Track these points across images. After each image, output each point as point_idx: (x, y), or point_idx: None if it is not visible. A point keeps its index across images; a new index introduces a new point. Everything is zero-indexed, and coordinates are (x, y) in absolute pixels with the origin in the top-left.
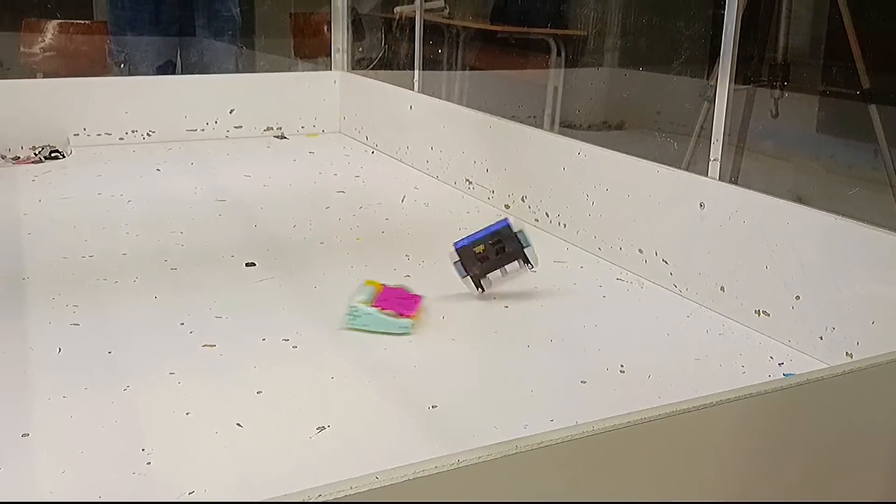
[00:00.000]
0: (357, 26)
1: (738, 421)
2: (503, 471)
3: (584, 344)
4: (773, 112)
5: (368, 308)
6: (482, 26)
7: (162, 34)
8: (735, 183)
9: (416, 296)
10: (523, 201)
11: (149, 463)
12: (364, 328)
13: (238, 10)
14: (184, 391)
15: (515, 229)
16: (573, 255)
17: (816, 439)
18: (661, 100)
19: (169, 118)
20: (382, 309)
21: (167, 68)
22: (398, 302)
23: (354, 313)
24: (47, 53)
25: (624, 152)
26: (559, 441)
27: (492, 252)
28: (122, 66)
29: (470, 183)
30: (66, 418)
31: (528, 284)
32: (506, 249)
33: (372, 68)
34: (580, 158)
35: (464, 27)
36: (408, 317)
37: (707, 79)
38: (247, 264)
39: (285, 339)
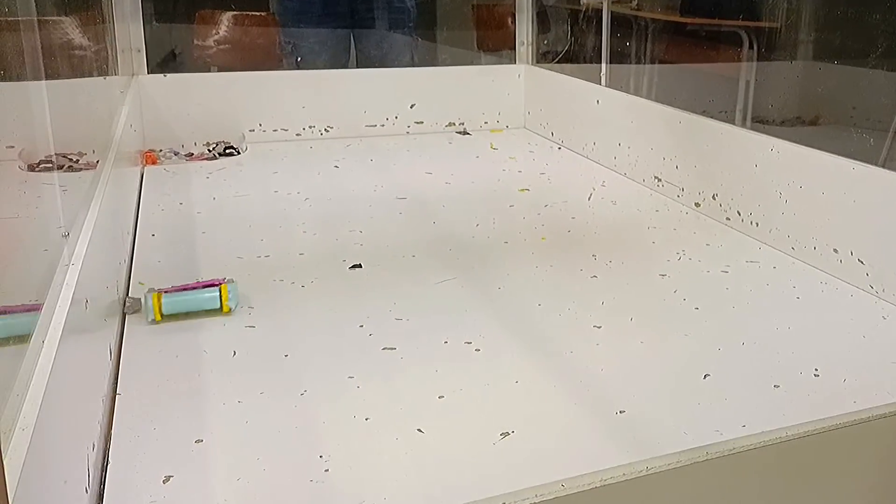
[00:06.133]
0: (542, 18)
1: None
2: (693, 478)
3: (777, 346)
4: None
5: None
6: (672, 18)
7: (333, 26)
8: None
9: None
10: (714, 199)
11: (326, 470)
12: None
13: (413, 1)
14: (363, 395)
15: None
16: (766, 255)
17: None
18: (857, 95)
19: (347, 113)
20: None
21: (340, 60)
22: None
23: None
24: (222, 46)
25: (818, 149)
26: (751, 447)
27: None
28: (292, 58)
29: (659, 180)
30: (242, 424)
31: (719, 285)
32: None
33: (557, 62)
34: (773, 155)
35: (653, 19)
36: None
37: None
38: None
39: (468, 342)
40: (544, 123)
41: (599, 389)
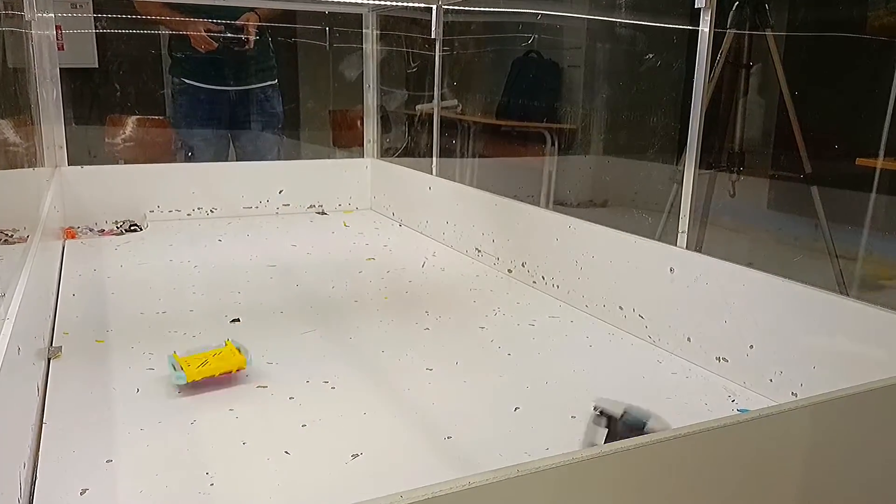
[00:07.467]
0: (385, 121)
1: (701, 450)
2: (506, 491)
3: (574, 385)
4: (731, 192)
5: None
6: (489, 121)
7: (215, 128)
8: (699, 251)
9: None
10: (523, 266)
11: (212, 484)
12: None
13: (282, 108)
14: (241, 424)
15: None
16: (565, 312)
17: (770, 465)
18: (638, 182)
19: (228, 198)
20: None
21: (221, 155)
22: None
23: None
24: (127, 144)
25: (607, 226)
26: (553, 466)
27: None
28: (183, 153)
29: (479, 251)
30: (144, 447)
31: (527, 336)
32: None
33: (397, 156)
34: (571, 231)
35: (474, 122)
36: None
37: (676, 164)
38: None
39: (325, 381)
40: (387, 205)
41: (431, 419)
